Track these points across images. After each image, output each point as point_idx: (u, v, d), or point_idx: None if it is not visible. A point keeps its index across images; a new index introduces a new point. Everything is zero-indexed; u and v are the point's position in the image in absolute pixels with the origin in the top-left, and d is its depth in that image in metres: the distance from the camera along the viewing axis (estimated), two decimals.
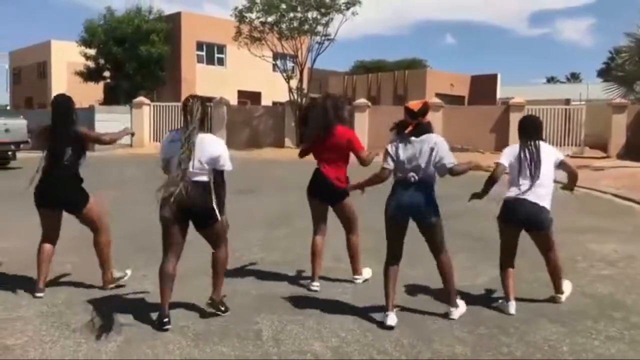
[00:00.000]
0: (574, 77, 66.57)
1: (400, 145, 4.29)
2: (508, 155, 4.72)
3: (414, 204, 4.22)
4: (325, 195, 5.11)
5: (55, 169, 4.83)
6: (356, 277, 5.29)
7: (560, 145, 20.99)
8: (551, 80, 67.24)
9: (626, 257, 6.36)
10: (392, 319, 4.12)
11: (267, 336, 3.96)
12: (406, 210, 4.25)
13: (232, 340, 3.87)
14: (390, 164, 4.33)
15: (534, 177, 4.55)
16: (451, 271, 4.38)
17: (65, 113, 5.02)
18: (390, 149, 4.34)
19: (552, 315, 4.43)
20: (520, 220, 4.60)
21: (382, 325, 4.12)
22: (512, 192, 4.61)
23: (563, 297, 4.75)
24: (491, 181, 4.63)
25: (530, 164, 4.59)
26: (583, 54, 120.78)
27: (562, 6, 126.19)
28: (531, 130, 4.81)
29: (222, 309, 4.34)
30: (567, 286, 4.83)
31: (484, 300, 4.81)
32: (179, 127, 4.30)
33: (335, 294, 4.95)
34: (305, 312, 4.43)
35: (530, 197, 4.53)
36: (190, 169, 4.03)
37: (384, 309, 4.21)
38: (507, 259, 4.72)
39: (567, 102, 27.12)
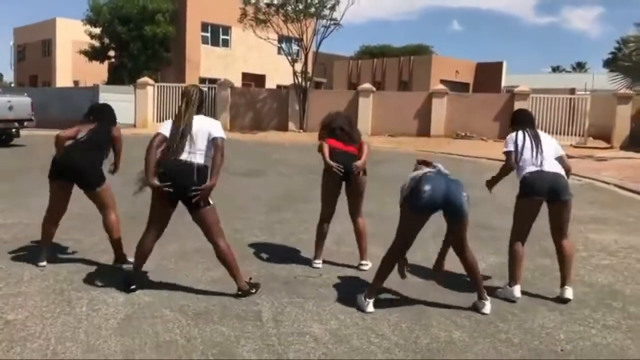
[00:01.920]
0: (580, 67, 66.20)
1: None
2: (513, 141, 4.75)
3: (450, 191, 4.13)
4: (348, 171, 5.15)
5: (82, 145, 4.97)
6: (361, 263, 5.31)
7: (564, 135, 20.96)
8: (557, 69, 66.87)
9: (626, 248, 6.37)
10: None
11: (266, 317, 3.99)
12: (441, 199, 4.11)
13: (232, 321, 3.90)
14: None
15: (542, 154, 4.65)
16: (476, 263, 4.36)
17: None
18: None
19: (550, 303, 4.46)
20: (545, 190, 4.57)
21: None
22: (530, 169, 4.65)
23: (571, 293, 4.57)
24: (506, 170, 4.79)
25: (535, 145, 4.68)
26: (590, 43, 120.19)
27: None
28: (524, 121, 4.93)
29: (253, 291, 4.41)
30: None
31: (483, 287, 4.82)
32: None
33: (336, 277, 4.97)
34: (305, 295, 4.45)
35: (548, 168, 4.63)
36: (187, 152, 4.21)
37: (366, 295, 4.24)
38: (522, 237, 4.72)
39: (572, 91, 26.97)
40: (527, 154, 4.67)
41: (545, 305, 4.41)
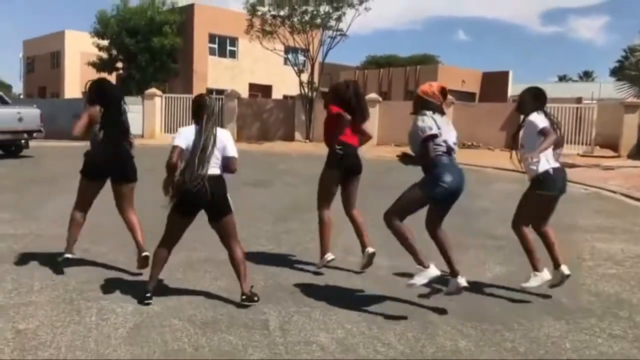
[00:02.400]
0: (587, 76, 66.08)
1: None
2: (544, 121, 4.66)
3: (461, 185, 4.33)
4: (357, 167, 5.33)
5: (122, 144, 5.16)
6: (369, 250, 5.34)
7: (571, 144, 20.92)
8: (563, 78, 66.81)
9: (633, 257, 6.36)
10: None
11: (273, 326, 4.02)
12: (453, 192, 4.30)
13: (239, 330, 3.93)
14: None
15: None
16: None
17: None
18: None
19: (556, 312, 4.47)
20: (562, 187, 4.77)
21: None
22: (553, 164, 4.71)
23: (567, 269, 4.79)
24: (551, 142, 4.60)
25: (556, 131, 4.69)
26: (597, 52, 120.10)
27: (576, 4, 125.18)
28: (542, 100, 4.85)
29: (255, 299, 4.44)
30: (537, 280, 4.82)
31: (489, 296, 4.84)
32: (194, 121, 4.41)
33: (342, 286, 5.01)
34: (311, 304, 4.48)
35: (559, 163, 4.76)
36: (210, 164, 4.25)
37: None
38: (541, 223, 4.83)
39: (579, 100, 26.96)
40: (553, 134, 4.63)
41: (551, 314, 4.42)
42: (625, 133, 20.79)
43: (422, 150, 4.26)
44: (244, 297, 4.41)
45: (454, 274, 4.37)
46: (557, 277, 4.81)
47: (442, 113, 4.35)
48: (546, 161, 4.67)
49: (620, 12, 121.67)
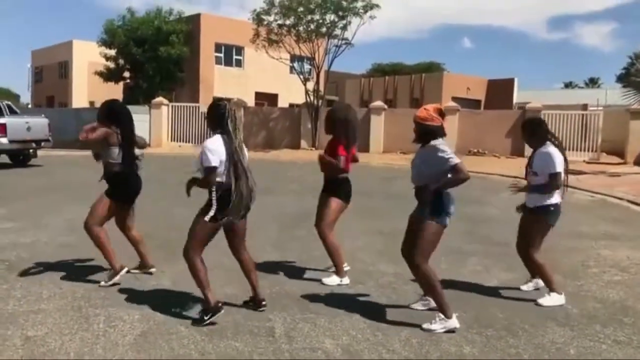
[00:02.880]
0: (593, 83, 65.88)
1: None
2: (561, 163, 4.78)
3: None
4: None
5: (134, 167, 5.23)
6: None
7: (577, 151, 20.90)
8: (569, 85, 66.67)
9: (639, 264, 6.36)
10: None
11: (279, 333, 4.05)
12: None
13: (245, 337, 3.97)
14: None
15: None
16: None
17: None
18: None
19: (561, 318, 4.48)
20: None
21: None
22: (559, 197, 4.86)
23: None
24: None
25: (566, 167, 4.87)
26: (603, 58, 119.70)
27: (582, 11, 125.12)
28: (549, 133, 5.01)
29: (264, 303, 4.52)
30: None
31: (493, 302, 4.86)
32: (212, 130, 4.28)
33: (347, 292, 5.04)
34: (317, 311, 4.52)
35: None
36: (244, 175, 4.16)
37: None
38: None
39: (585, 107, 26.94)
40: (562, 177, 4.83)
41: (555, 320, 4.43)
42: (632, 140, 20.73)
43: (444, 177, 4.13)
44: (264, 302, 4.48)
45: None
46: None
47: (445, 134, 4.30)
48: (560, 193, 4.85)
49: (627, 18, 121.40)
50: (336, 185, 5.32)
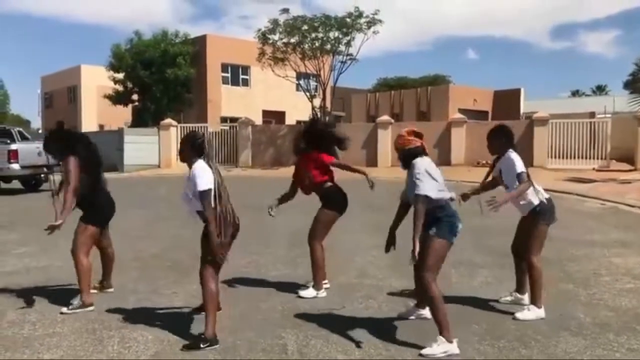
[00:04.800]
0: (600, 90, 65.67)
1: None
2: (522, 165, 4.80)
3: None
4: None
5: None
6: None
7: (586, 159, 20.82)
8: (576, 93, 66.50)
9: None
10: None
11: (292, 350, 4.07)
12: None
13: (258, 354, 3.99)
14: None
15: None
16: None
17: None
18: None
19: (573, 328, 4.47)
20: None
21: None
22: (543, 194, 4.84)
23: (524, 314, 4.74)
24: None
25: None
26: (609, 65, 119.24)
27: (585, 19, 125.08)
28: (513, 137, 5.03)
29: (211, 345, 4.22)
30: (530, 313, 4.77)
31: (505, 314, 4.85)
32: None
33: (359, 308, 5.05)
34: (329, 327, 4.52)
35: None
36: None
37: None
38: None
39: (592, 115, 26.87)
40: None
41: (567, 330, 4.42)
42: None
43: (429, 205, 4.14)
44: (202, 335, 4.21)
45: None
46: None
47: (427, 154, 4.33)
48: (540, 190, 4.83)
49: (631, 25, 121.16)
50: (326, 198, 5.56)
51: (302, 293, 5.42)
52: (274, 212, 5.69)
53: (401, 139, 4.33)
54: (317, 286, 5.46)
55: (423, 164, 4.20)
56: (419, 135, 4.34)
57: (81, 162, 5.06)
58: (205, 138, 4.30)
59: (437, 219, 4.14)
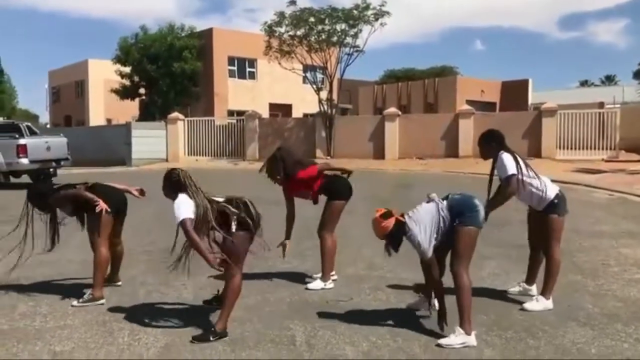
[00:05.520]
0: (609, 80, 65.24)
1: None
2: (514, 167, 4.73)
3: None
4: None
5: None
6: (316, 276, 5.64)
7: (595, 149, 20.73)
8: (585, 83, 66.06)
9: None
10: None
11: (300, 341, 4.10)
12: None
13: (267, 346, 4.02)
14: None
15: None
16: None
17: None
18: None
19: (581, 318, 4.47)
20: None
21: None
22: (556, 188, 4.84)
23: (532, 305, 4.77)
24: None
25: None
26: (618, 55, 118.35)
27: (593, 8, 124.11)
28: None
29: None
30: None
31: (513, 305, 4.86)
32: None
33: (367, 300, 5.08)
34: (337, 318, 4.55)
35: None
36: None
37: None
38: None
39: (601, 105, 26.70)
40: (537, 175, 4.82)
41: (575, 320, 4.43)
42: None
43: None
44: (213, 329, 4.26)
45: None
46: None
47: (405, 232, 4.20)
48: (551, 185, 4.85)
49: None
50: (329, 192, 5.62)
51: (310, 285, 5.47)
52: (287, 251, 5.76)
53: (380, 230, 4.18)
54: (324, 277, 5.50)
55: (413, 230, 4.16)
56: (387, 214, 4.18)
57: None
58: (180, 175, 4.26)
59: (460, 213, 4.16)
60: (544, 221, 4.82)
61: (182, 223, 4.07)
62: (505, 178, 4.68)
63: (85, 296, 5.04)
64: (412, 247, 4.18)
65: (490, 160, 4.91)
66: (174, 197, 4.22)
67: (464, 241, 4.13)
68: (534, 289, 5.01)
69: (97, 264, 5.11)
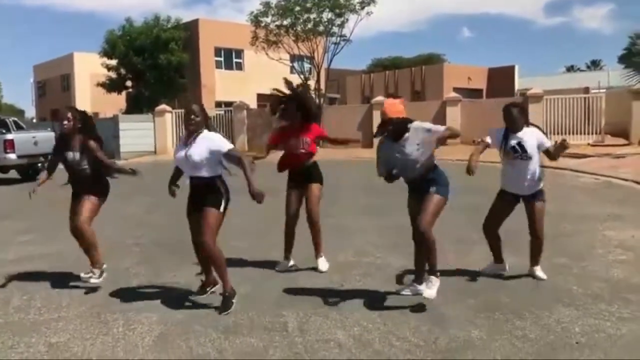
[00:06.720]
0: (595, 65, 65.63)
1: None
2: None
3: None
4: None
5: None
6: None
7: (581, 134, 20.91)
8: (571, 69, 66.38)
9: None
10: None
11: (292, 327, 4.18)
12: None
13: (260, 332, 4.10)
14: None
15: None
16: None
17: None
18: None
19: (566, 299, 4.59)
20: None
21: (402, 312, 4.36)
22: None
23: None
24: None
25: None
26: (604, 40, 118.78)
27: None
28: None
29: (234, 300, 4.68)
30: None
31: (500, 287, 4.97)
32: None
33: (357, 286, 5.17)
34: (328, 305, 4.64)
35: None
36: None
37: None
38: None
39: (587, 90, 26.88)
40: None
41: (561, 301, 4.54)
42: (635, 120, 20.66)
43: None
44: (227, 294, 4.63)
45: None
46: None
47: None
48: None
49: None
50: (315, 170, 5.82)
51: (321, 267, 5.67)
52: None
53: (396, 107, 4.56)
54: (317, 255, 5.74)
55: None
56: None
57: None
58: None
59: (432, 180, 4.56)
60: (535, 207, 5.10)
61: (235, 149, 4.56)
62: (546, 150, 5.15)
63: (96, 271, 5.23)
64: (422, 130, 4.49)
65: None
66: (200, 132, 4.58)
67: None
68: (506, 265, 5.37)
69: (90, 243, 5.28)
